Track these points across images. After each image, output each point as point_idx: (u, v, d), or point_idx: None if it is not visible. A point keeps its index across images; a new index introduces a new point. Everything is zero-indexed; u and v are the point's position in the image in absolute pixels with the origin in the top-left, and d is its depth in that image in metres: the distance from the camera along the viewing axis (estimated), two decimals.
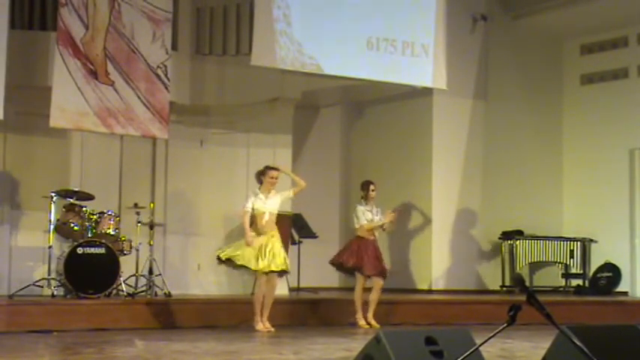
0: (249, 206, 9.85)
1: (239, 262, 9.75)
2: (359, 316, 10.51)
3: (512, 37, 14.53)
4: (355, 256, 10.48)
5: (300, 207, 12.92)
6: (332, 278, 13.96)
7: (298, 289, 12.45)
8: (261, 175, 9.98)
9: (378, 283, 10.56)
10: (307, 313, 10.95)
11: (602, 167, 14.43)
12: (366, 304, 10.58)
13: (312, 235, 12.75)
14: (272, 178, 9.93)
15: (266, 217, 9.82)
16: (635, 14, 13.69)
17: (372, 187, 10.72)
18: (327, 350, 8.05)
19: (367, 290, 10.64)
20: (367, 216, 10.59)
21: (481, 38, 14.23)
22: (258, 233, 9.77)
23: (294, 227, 12.61)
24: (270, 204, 9.88)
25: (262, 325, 9.78)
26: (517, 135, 14.48)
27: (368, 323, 10.46)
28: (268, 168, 10.06)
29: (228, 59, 12.71)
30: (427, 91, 13.35)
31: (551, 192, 14.84)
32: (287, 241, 12.44)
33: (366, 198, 10.67)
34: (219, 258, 9.92)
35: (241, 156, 12.89)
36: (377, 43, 12.08)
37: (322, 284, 13.36)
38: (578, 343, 4.95)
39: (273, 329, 9.73)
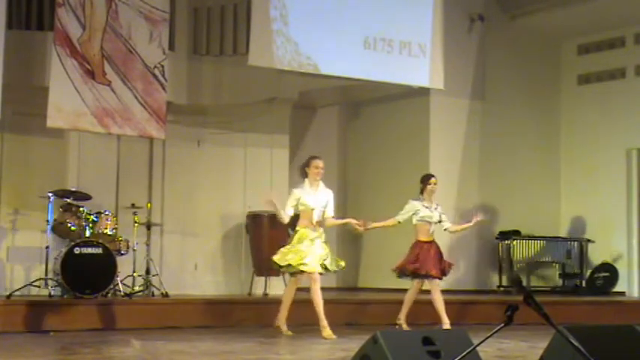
0: (287, 210, 9.27)
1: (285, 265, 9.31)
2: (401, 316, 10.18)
3: (510, 38, 14.54)
4: (416, 262, 9.99)
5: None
6: (329, 278, 13.94)
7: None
8: (305, 167, 9.28)
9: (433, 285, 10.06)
10: (304, 314, 10.93)
11: (600, 167, 14.45)
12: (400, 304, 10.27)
13: None
14: (317, 168, 9.21)
15: (316, 215, 9.24)
16: (632, 14, 13.71)
17: (432, 179, 9.99)
18: (325, 350, 8.05)
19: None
20: (424, 212, 9.96)
21: (478, 38, 14.24)
22: (304, 231, 9.24)
23: (291, 227, 12.58)
24: (320, 199, 9.28)
25: (328, 330, 9.21)
26: (514, 135, 14.49)
27: (396, 323, 10.11)
28: (312, 158, 9.37)
29: (225, 59, 12.72)
30: (424, 91, 13.35)
31: (549, 192, 14.85)
32: (284, 242, 12.44)
33: (423, 192, 9.99)
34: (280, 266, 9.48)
35: (238, 156, 12.90)
36: (374, 43, 12.08)
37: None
38: (575, 343, 4.96)
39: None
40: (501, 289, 13.79)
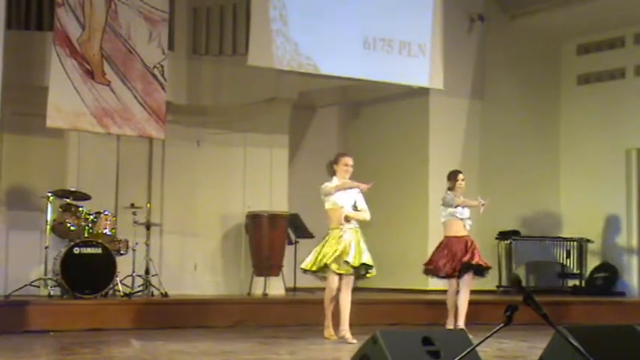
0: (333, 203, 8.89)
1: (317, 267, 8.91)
2: (448, 321, 9.86)
3: (510, 38, 14.54)
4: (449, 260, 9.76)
5: (297, 207, 12.92)
6: None
7: (295, 289, 12.45)
8: (333, 165, 9.01)
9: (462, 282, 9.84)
10: (304, 314, 10.94)
11: (599, 167, 14.45)
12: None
13: (308, 235, 12.72)
14: (346, 165, 8.94)
15: (344, 212, 8.89)
16: (632, 15, 13.71)
17: (460, 176, 9.87)
18: (324, 351, 8.06)
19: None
20: (454, 208, 9.81)
21: (478, 38, 14.24)
22: (337, 229, 8.88)
23: (290, 227, 12.61)
24: (349, 197, 9.00)
25: (330, 331, 8.97)
26: (514, 135, 14.49)
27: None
28: (341, 155, 9.16)
29: (224, 59, 12.70)
30: (424, 91, 13.35)
31: (548, 192, 14.85)
32: (284, 242, 12.45)
33: (453, 189, 9.86)
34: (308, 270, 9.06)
35: (238, 156, 12.90)
36: (374, 43, 12.07)
37: (319, 284, 13.32)
38: (574, 343, 4.96)
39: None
40: (501, 289, 13.78)
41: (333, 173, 9.04)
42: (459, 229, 9.88)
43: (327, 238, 8.98)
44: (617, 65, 14.45)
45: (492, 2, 14.36)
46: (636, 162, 14.18)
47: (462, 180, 9.92)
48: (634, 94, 14.12)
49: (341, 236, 8.86)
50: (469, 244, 9.87)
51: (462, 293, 9.82)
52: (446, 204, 9.89)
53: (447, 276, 9.89)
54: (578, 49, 15.00)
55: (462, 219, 9.89)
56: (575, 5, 13.69)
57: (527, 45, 14.74)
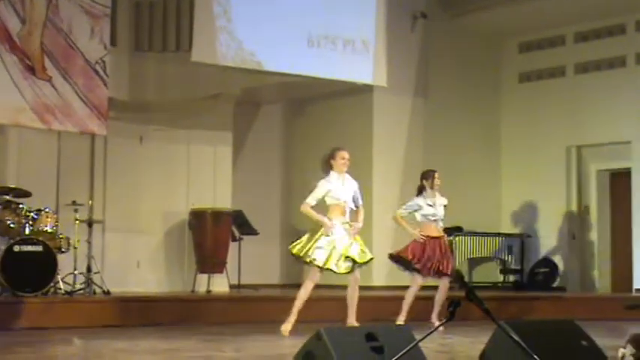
0: (311, 201, 8.82)
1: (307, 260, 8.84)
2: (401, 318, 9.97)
3: (452, 35, 14.66)
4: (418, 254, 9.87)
5: (241, 204, 12.89)
6: (272, 275, 13.95)
7: (239, 286, 12.43)
8: (330, 160, 8.99)
9: (443, 283, 10.03)
10: (248, 311, 10.93)
11: (540, 164, 14.65)
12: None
13: (252, 232, 12.72)
14: (343, 159, 8.93)
15: (348, 207, 8.90)
16: (573, 13, 13.91)
17: (437, 174, 9.88)
18: (269, 347, 8.06)
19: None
20: (427, 210, 9.85)
21: (421, 36, 14.33)
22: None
23: (234, 224, 12.57)
24: (349, 191, 8.98)
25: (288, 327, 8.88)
26: (456, 132, 14.61)
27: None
28: (337, 149, 9.07)
29: (168, 55, 12.60)
30: (368, 89, 13.40)
31: (490, 188, 15.01)
32: (227, 238, 12.42)
33: (431, 187, 9.85)
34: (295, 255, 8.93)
35: (181, 153, 12.82)
36: (318, 40, 12.10)
37: (263, 281, 13.35)
38: (516, 337, 5.03)
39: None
40: None
41: (329, 168, 9.00)
42: (432, 232, 9.96)
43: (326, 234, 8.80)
44: (558, 63, 14.67)
45: (434, 0, 14.46)
46: (576, 159, 14.42)
47: (438, 178, 9.93)
48: (574, 92, 14.34)
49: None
50: (443, 248, 9.99)
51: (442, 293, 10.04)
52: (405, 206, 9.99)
53: (426, 274, 9.97)
54: (519, 47, 15.19)
55: (434, 220, 9.97)
56: (516, 4, 13.85)
57: (469, 43, 14.87)
